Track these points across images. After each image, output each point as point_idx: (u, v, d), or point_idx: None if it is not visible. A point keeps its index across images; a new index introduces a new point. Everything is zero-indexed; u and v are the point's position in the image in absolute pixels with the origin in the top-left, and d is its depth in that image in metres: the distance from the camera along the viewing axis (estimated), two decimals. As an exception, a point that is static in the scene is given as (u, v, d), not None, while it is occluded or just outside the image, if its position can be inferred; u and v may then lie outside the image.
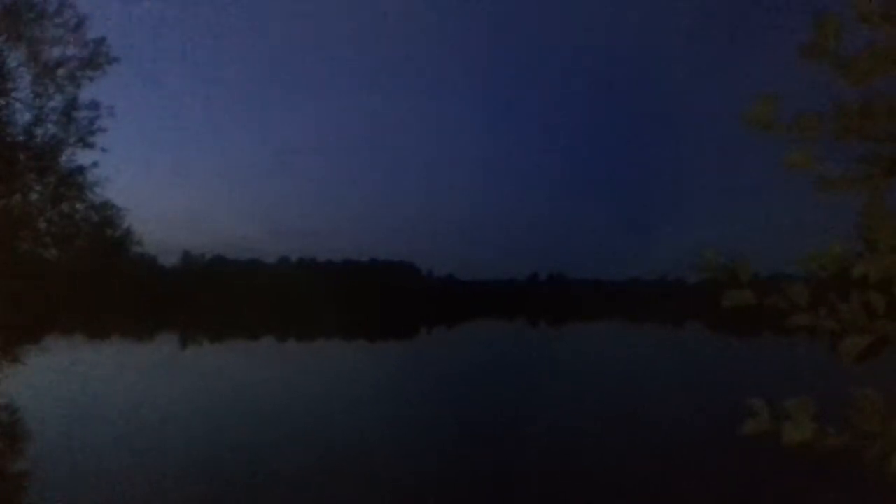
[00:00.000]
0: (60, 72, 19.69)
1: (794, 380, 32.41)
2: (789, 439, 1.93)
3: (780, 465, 14.85)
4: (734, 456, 16.92)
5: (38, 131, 19.70)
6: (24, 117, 19.59)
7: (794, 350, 43.56)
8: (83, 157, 20.17)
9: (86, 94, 20.24)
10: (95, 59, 20.01)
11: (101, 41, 20.12)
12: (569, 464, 17.56)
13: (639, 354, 57.03)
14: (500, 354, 56.75)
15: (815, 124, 1.93)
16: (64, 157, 19.96)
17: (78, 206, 20.11)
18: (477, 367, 44.84)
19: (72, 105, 19.93)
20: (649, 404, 27.38)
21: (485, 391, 31.85)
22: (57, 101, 19.85)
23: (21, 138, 19.49)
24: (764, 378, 34.43)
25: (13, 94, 19.39)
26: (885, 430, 1.88)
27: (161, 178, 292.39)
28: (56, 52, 19.66)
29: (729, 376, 38.45)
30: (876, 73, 1.85)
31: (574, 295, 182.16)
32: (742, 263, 2.05)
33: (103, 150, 20.28)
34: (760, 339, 64.10)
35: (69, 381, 31.67)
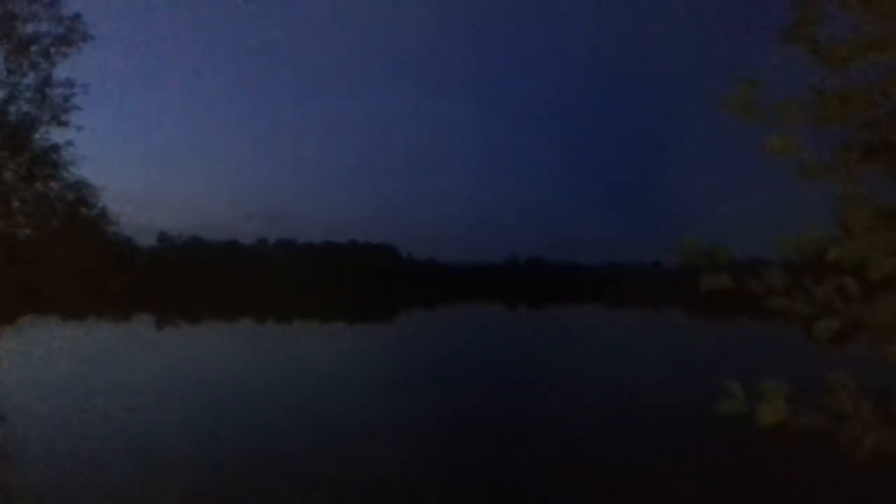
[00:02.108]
0: (34, 48, 19.33)
1: (770, 362, 32.85)
2: (764, 420, 1.96)
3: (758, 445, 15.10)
4: (710, 434, 17.17)
5: (12, 109, 19.36)
6: (-3, 94, 19.23)
7: (770, 333, 44.13)
8: (57, 135, 19.87)
9: (60, 71, 19.91)
10: (70, 35, 19.66)
11: (76, 17, 19.75)
12: (549, 444, 17.73)
13: (617, 337, 57.50)
14: (480, 337, 56.98)
15: (794, 110, 1.94)
16: (38, 136, 19.65)
17: (52, 184, 19.83)
18: (456, 349, 45.00)
19: (46, 82, 19.60)
20: (628, 386, 27.64)
21: (464, 373, 31.98)
22: (31, 79, 19.51)
23: (-7, 116, 19.13)
24: (740, 361, 34.87)
25: (-15, 71, 19.01)
26: (858, 411, 1.91)
27: (137, 158, 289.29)
28: (30, 28, 19.29)
29: (706, 359, 38.87)
30: (855, 59, 1.86)
31: (553, 278, 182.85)
32: (720, 248, 2.07)
33: (78, 128, 19.98)
34: (737, 322, 64.85)
35: (43, 361, 31.36)
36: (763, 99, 1.98)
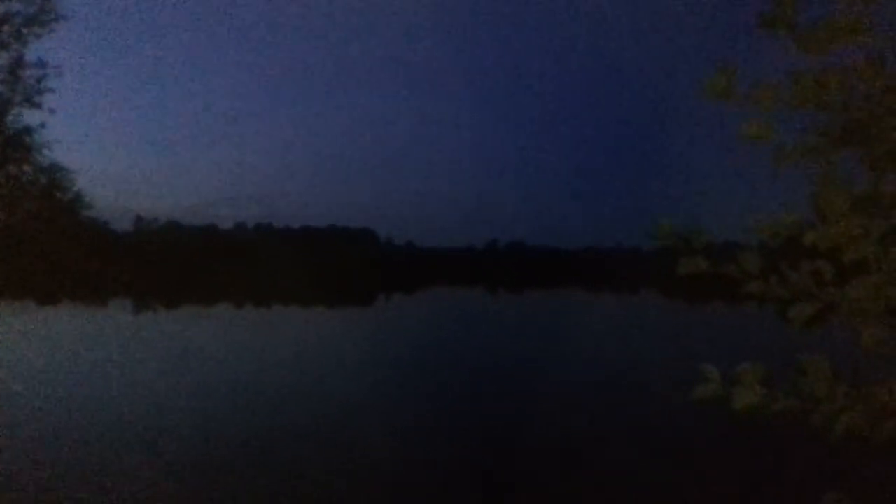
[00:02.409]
0: (5, 29, 18.95)
1: (747, 346, 33.29)
2: (739, 404, 1.97)
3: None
4: (688, 416, 17.39)
5: (-18, 91, 18.99)
6: (-33, 76, 18.86)
7: (746, 316, 44.67)
8: (30, 117, 19.56)
9: (32, 52, 19.56)
10: (42, 15, 19.28)
11: (48, -3, 19.35)
12: (533, 425, 17.85)
13: (596, 321, 57.91)
14: (460, 322, 57.11)
15: (770, 95, 1.95)
16: (10, 118, 19.32)
17: (25, 168, 19.54)
18: (436, 334, 45.11)
19: (18, 64, 19.23)
20: (607, 370, 27.88)
21: (444, 358, 32.07)
22: (2, 60, 19.14)
23: (-36, 98, 18.76)
24: (717, 344, 35.28)
25: (-45, 52, 18.61)
26: (831, 394, 1.94)
27: (112, 140, 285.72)
28: (1, 8, 18.90)
29: (683, 343, 39.27)
30: (833, 42, 1.87)
31: (533, 263, 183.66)
32: (697, 232, 2.08)
33: (51, 110, 19.64)
34: (715, 306, 65.58)
35: (18, 346, 31.05)
36: (743, 86, 1.99)
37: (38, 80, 19.41)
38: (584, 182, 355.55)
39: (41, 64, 19.53)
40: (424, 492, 13.01)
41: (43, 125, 19.55)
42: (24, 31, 19.21)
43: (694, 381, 2.02)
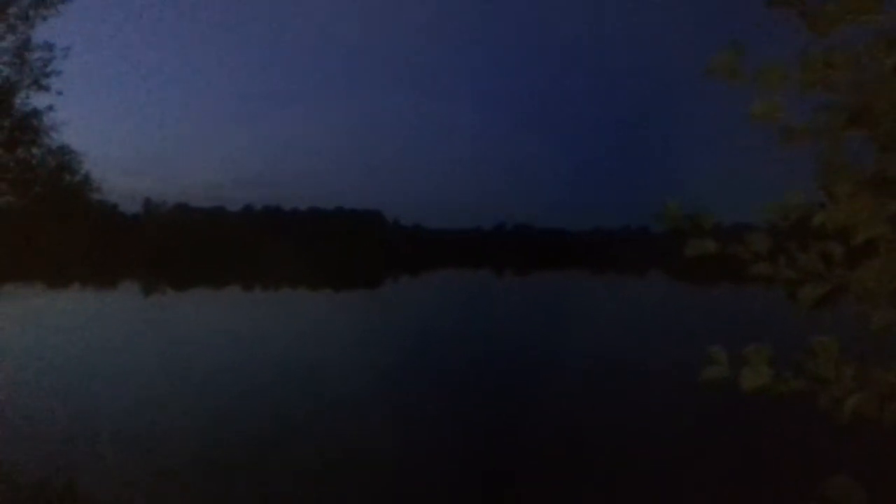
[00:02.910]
0: (12, 11, 18.91)
1: (753, 327, 33.20)
2: (746, 385, 1.98)
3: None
4: (691, 396, 17.40)
5: (-9, 74, 18.97)
6: (-26, 59, 18.84)
7: (754, 298, 44.56)
8: (38, 100, 19.56)
9: (39, 34, 19.51)
10: (48, -3, 19.20)
11: (54, -21, 19.26)
12: (538, 410, 17.90)
13: (602, 303, 57.86)
14: (467, 304, 57.18)
15: (779, 75, 1.93)
16: (18, 101, 19.31)
17: (34, 150, 19.55)
18: (443, 316, 45.17)
19: (25, 46, 19.20)
20: (612, 352, 27.88)
21: (450, 342, 32.14)
22: (9, 42, 19.12)
23: (-29, 81, 18.76)
24: (725, 326, 35.22)
25: (-38, 35, 18.59)
26: (839, 375, 1.93)
27: (121, 123, 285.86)
28: (7, -10, 18.83)
29: (690, 324, 39.21)
30: (842, 21, 1.85)
31: (539, 244, 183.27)
32: (705, 213, 2.07)
33: (59, 93, 19.64)
34: (723, 287, 65.39)
35: (29, 329, 31.26)
36: (750, 66, 1.97)
37: (46, 63, 19.38)
38: (592, 163, 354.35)
39: (48, 46, 19.50)
40: (426, 477, 13.09)
41: (51, 108, 19.56)
42: (31, 13, 19.16)
43: (701, 362, 2.02)
